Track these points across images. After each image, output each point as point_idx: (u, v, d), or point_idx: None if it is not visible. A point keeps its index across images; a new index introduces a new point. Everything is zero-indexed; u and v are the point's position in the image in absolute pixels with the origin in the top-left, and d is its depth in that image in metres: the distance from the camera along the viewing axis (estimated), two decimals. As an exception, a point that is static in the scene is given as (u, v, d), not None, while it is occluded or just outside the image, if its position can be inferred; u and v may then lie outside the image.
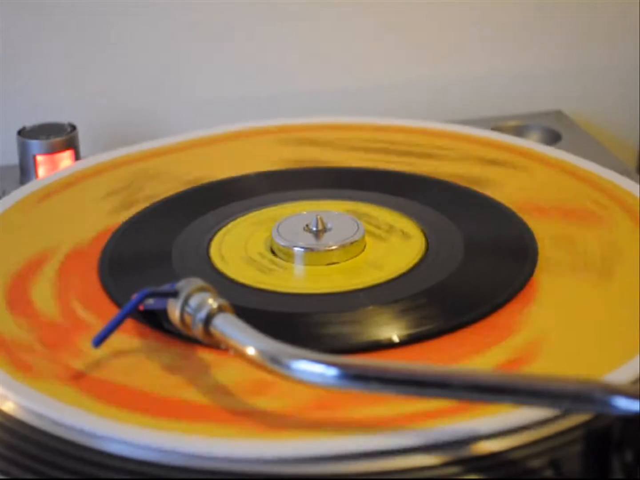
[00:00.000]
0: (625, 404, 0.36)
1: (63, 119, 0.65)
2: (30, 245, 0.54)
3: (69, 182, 0.60)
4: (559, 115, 0.73)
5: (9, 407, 0.42)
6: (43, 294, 0.49)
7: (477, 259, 0.51)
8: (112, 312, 0.46)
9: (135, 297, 0.44)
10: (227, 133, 0.66)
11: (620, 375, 0.42)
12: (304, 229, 0.52)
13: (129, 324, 0.46)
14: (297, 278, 0.50)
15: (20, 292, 0.50)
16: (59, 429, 0.41)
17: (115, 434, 0.40)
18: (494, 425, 0.39)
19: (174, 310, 0.43)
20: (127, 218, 0.56)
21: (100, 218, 0.56)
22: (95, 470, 0.39)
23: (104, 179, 0.60)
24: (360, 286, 0.49)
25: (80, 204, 0.58)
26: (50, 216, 0.57)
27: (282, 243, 0.51)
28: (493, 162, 0.61)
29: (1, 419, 0.42)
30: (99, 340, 0.44)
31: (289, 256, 0.51)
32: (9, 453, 0.40)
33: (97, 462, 0.39)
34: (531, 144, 0.64)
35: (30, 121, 0.65)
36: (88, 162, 0.62)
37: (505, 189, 0.58)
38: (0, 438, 0.41)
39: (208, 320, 0.42)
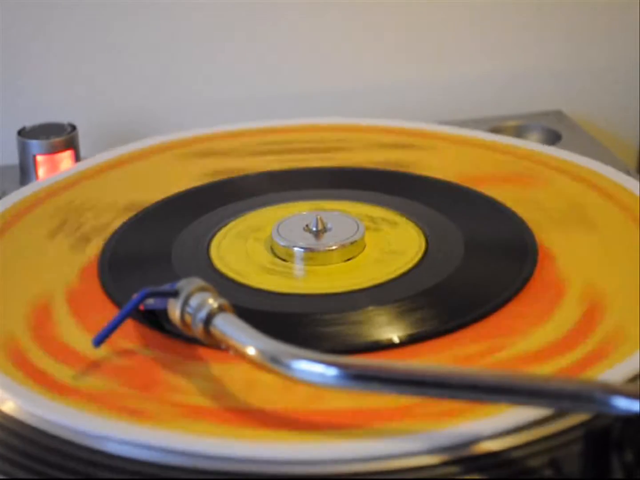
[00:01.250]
0: (625, 404, 0.36)
1: (63, 119, 0.65)
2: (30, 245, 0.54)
3: (69, 184, 0.60)
4: (559, 115, 0.73)
5: (8, 407, 0.42)
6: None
7: (477, 259, 0.51)
8: (112, 313, 0.46)
9: (135, 296, 0.44)
10: (122, 156, 0.63)
11: (618, 373, 0.42)
12: (304, 229, 0.52)
13: (129, 323, 0.46)
14: (297, 278, 0.50)
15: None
16: (59, 430, 0.41)
17: (115, 434, 0.40)
18: (495, 427, 0.39)
19: (174, 310, 0.43)
20: (126, 218, 0.56)
21: (101, 216, 0.56)
22: (95, 471, 0.39)
23: (103, 180, 0.60)
24: (360, 286, 0.49)
25: (81, 202, 0.58)
26: (52, 214, 0.57)
27: (282, 243, 0.51)
28: (400, 146, 0.63)
29: (1, 420, 0.42)
30: (99, 340, 0.44)
31: (289, 256, 0.51)
32: (8, 453, 0.40)
33: (97, 462, 0.39)
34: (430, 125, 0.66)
35: (30, 121, 0.65)
36: (88, 163, 0.62)
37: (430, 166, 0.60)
38: (0, 438, 0.41)
39: (208, 320, 0.42)
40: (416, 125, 0.66)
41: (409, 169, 0.60)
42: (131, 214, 0.56)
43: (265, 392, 0.42)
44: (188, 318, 0.43)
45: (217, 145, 0.64)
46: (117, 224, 0.55)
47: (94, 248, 0.53)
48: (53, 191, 0.59)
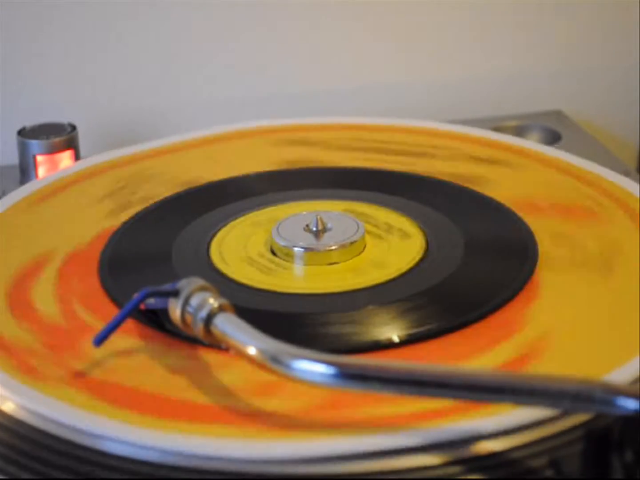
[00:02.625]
0: (625, 404, 0.36)
1: (63, 119, 0.65)
2: (30, 247, 0.54)
3: (67, 183, 0.60)
4: (559, 115, 0.73)
5: (9, 407, 0.42)
6: (43, 295, 0.49)
7: (478, 259, 0.51)
8: (113, 312, 0.46)
9: (136, 296, 0.44)
10: (219, 134, 0.65)
11: (621, 375, 0.42)
12: (304, 229, 0.52)
13: (129, 323, 0.46)
14: (297, 278, 0.50)
15: (21, 294, 0.50)
16: (60, 429, 0.41)
17: (115, 434, 0.40)
18: (495, 425, 0.39)
19: (175, 310, 0.43)
20: (125, 219, 0.56)
21: (98, 219, 0.56)
22: (96, 471, 0.39)
23: (102, 180, 0.60)
24: (360, 286, 0.49)
25: (78, 205, 0.58)
26: (49, 217, 0.56)
27: (282, 243, 0.51)
28: (489, 161, 0.61)
29: (1, 419, 0.42)
30: (99, 340, 0.44)
31: (289, 256, 0.51)
32: (9, 453, 0.40)
33: (97, 462, 0.39)
34: (529, 143, 0.64)
35: (30, 121, 0.65)
36: (87, 162, 0.62)
37: (502, 187, 0.58)
38: (0, 438, 0.41)
39: (209, 320, 0.42)
40: (513, 140, 0.64)
41: (480, 187, 0.58)
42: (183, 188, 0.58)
43: (269, 392, 0.42)
44: (189, 318, 0.43)
45: (310, 136, 0.65)
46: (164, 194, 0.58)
47: (126, 215, 0.56)
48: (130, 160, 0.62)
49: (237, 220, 0.55)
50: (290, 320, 0.47)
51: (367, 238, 0.52)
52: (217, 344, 0.43)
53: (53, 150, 0.63)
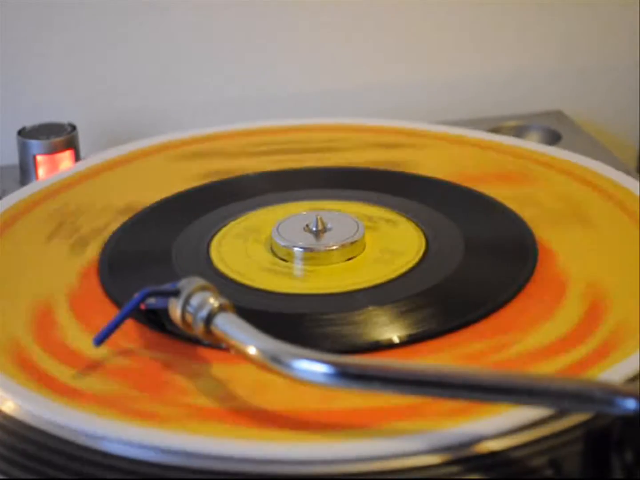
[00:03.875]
0: (625, 404, 0.36)
1: (63, 119, 0.65)
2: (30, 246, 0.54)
3: (68, 184, 0.60)
4: (559, 115, 0.73)
5: (8, 407, 0.42)
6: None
7: (478, 259, 0.51)
8: (113, 312, 0.46)
9: (136, 296, 0.44)
10: (118, 157, 0.63)
11: (620, 374, 0.42)
12: (304, 229, 0.52)
13: (129, 323, 0.46)
14: (297, 278, 0.50)
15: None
16: (59, 430, 0.41)
17: (115, 434, 0.40)
18: (496, 427, 0.39)
19: (175, 309, 0.43)
20: (126, 219, 0.56)
21: (98, 219, 0.56)
22: (95, 471, 0.39)
23: (99, 182, 0.60)
24: (360, 286, 0.49)
25: (77, 205, 0.58)
26: (48, 217, 0.57)
27: (282, 243, 0.52)
28: (395, 145, 0.63)
29: (1, 420, 0.42)
30: (100, 340, 0.44)
31: (289, 256, 0.51)
32: (8, 453, 0.40)
33: (97, 462, 0.39)
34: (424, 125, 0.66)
35: (30, 121, 0.65)
36: (87, 163, 0.62)
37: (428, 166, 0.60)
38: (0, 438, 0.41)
39: (209, 319, 0.42)
40: (411, 124, 0.66)
41: (402, 167, 0.60)
42: (127, 216, 0.56)
43: (269, 392, 0.42)
44: (189, 317, 0.43)
45: (212, 146, 0.64)
46: (113, 226, 0.55)
47: (92, 251, 0.53)
48: (49, 193, 0.59)
49: (237, 220, 0.55)
50: (290, 321, 0.47)
51: (367, 238, 0.52)
52: (217, 344, 0.43)
53: (53, 150, 0.63)
